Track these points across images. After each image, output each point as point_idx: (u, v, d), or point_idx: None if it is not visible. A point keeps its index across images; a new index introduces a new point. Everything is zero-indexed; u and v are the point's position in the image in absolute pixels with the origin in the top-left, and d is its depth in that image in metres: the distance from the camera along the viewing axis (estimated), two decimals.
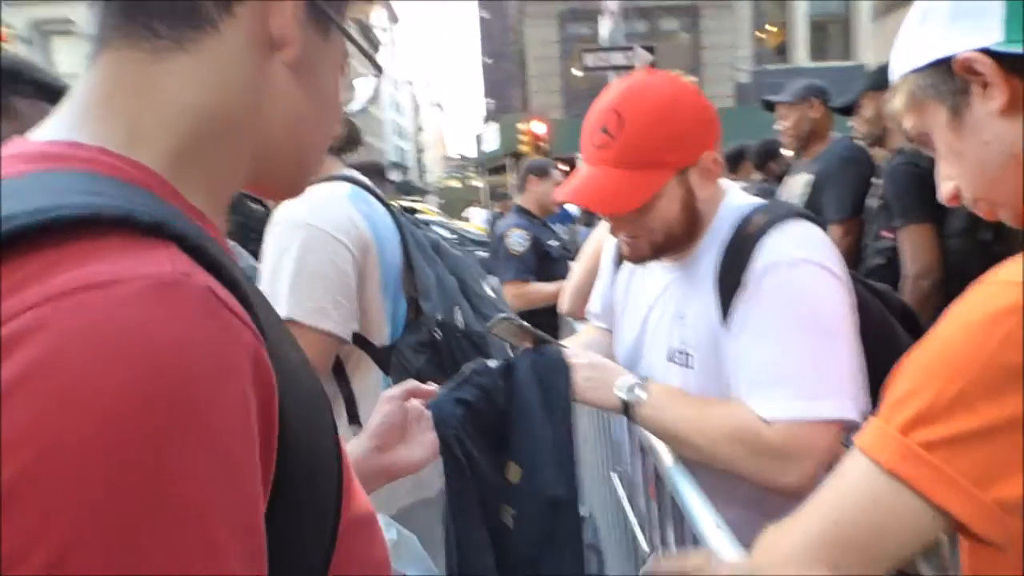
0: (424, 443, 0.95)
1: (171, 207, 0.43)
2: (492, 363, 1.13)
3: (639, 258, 1.19)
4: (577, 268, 2.29)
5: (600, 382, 1.14)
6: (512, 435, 1.09)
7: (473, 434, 1.02)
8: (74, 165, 0.42)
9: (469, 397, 1.04)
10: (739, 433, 1.03)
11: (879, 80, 2.49)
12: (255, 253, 1.55)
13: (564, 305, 2.34)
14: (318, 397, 0.50)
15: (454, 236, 10.48)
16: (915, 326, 1.31)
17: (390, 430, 0.92)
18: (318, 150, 0.58)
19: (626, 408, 1.13)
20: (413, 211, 1.99)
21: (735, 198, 1.19)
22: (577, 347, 1.24)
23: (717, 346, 1.10)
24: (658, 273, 1.25)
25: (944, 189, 0.74)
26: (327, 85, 0.56)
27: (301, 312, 1.25)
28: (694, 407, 1.10)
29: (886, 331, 1.22)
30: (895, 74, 0.75)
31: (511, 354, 1.31)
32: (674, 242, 1.15)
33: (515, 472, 1.08)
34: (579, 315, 2.45)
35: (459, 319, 1.61)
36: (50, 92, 1.20)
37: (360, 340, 1.48)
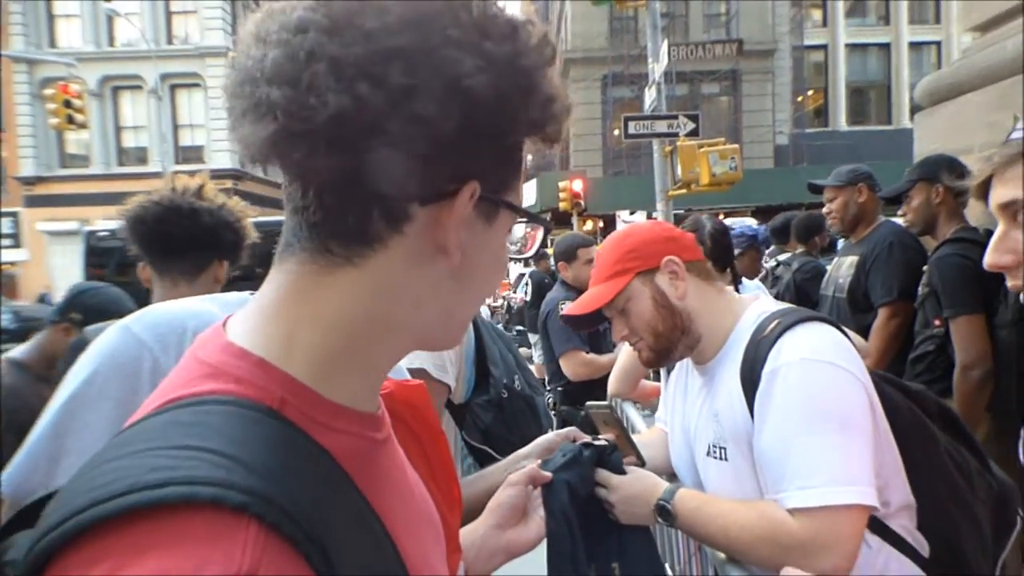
0: (537, 521, 1.02)
1: (291, 438, 0.48)
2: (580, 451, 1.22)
3: (647, 362, 1.36)
4: (623, 352, 2.36)
5: (636, 502, 1.21)
6: (607, 535, 1.18)
7: (577, 514, 1.09)
8: (230, 387, 0.49)
9: (573, 480, 1.12)
10: (770, 533, 1.09)
11: (928, 171, 2.54)
12: None
13: (611, 387, 2.39)
14: None
15: None
16: (954, 425, 1.35)
17: (511, 511, 1.00)
18: (473, 313, 0.62)
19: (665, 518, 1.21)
20: None
21: (761, 306, 1.31)
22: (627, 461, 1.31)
23: (746, 439, 1.19)
24: (696, 380, 1.37)
25: (1003, 260, 0.78)
26: (492, 263, 0.58)
27: (431, 367, 1.57)
28: (723, 515, 1.17)
29: (920, 432, 1.27)
30: None
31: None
32: (666, 340, 1.30)
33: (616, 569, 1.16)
34: (625, 396, 2.50)
35: (518, 385, 1.97)
36: None
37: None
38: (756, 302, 1.33)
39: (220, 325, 0.56)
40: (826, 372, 1.12)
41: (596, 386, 3.04)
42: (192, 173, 1.62)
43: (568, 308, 1.44)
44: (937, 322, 2.39)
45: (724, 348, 1.28)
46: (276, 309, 0.54)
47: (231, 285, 1.45)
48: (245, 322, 0.55)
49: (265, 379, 0.50)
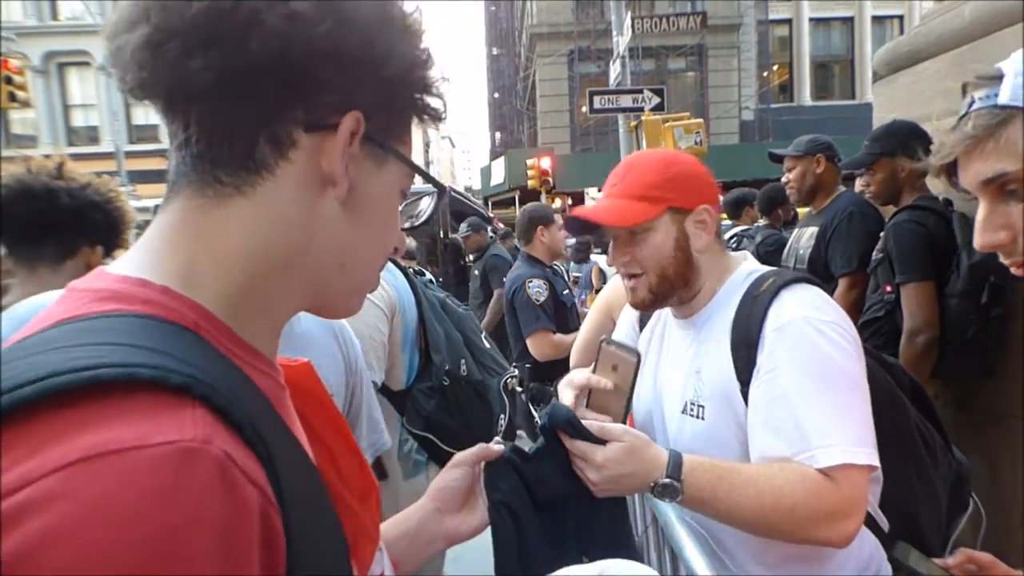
0: (483, 507, 0.91)
1: (214, 355, 0.46)
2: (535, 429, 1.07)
3: (640, 301, 1.26)
4: (585, 324, 2.34)
5: (627, 481, 1.02)
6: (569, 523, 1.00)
7: (526, 499, 0.95)
8: (136, 307, 0.45)
9: (518, 455, 0.97)
10: (814, 495, 0.99)
11: (890, 144, 2.52)
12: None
13: (573, 358, 2.37)
14: (324, 509, 0.51)
15: None
16: (923, 400, 1.33)
17: (453, 494, 0.90)
18: (373, 271, 0.60)
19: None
20: (422, 273, 2.32)
21: (748, 265, 1.27)
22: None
23: (729, 398, 1.13)
24: (676, 332, 1.30)
25: (997, 238, 0.74)
26: (381, 210, 0.57)
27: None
28: (752, 482, 1.02)
29: (894, 404, 1.25)
30: (1005, 98, 0.71)
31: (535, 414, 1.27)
32: (669, 285, 1.22)
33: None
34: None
35: (464, 369, 1.92)
36: None
37: (383, 388, 1.73)
38: (746, 261, 1.29)
39: (101, 268, 0.52)
40: (831, 332, 1.08)
41: (565, 363, 3.00)
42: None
43: (580, 210, 1.29)
44: (888, 288, 2.40)
45: (713, 303, 1.24)
46: (170, 245, 0.50)
47: None
48: (133, 260, 0.50)
49: (175, 303, 0.47)
